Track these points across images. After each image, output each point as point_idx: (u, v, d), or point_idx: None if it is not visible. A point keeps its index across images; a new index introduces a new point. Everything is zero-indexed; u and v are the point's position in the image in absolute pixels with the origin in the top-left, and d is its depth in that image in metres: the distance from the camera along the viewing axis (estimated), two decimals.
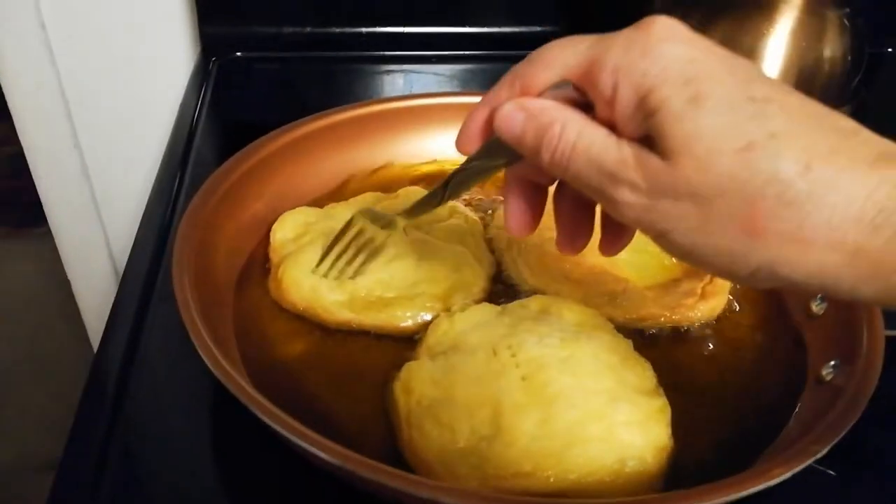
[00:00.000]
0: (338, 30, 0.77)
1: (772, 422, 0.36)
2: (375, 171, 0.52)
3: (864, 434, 0.31)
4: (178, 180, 0.53)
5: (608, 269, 0.43)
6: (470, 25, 0.79)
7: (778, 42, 0.59)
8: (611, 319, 0.40)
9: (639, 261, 0.44)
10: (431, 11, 0.78)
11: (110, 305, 0.98)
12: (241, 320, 0.39)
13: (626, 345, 0.37)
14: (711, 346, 0.41)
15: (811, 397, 0.36)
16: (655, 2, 0.65)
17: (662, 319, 0.41)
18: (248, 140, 0.50)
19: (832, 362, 0.36)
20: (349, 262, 0.40)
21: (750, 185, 0.22)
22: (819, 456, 0.30)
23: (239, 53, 0.74)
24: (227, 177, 0.43)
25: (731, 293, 0.43)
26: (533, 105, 0.26)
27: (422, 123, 0.52)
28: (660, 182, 0.23)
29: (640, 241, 0.45)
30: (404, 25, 0.78)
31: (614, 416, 0.33)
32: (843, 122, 0.23)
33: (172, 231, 0.47)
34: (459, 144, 0.29)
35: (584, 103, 0.26)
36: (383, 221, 0.40)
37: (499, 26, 0.80)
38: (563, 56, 0.25)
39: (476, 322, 0.38)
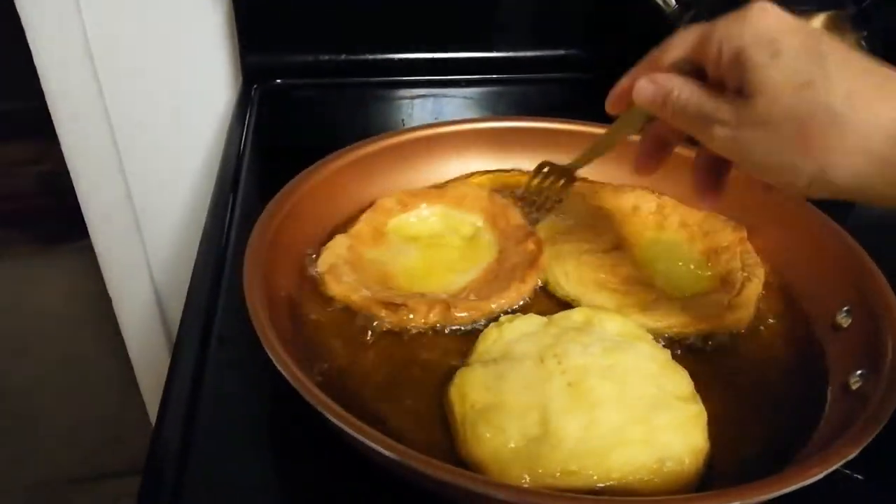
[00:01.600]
0: (370, 56, 0.80)
1: (802, 428, 0.37)
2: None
3: (889, 441, 0.33)
4: (230, 205, 0.56)
5: (641, 279, 0.45)
6: (496, 51, 0.83)
7: None
8: (644, 325, 0.42)
9: (671, 273, 0.46)
10: (459, 37, 0.81)
11: (149, 320, 1.01)
12: (301, 332, 0.42)
13: (665, 354, 0.40)
14: (741, 356, 0.43)
15: (839, 405, 0.38)
16: (677, 27, 0.67)
17: (691, 328, 0.43)
18: (293, 164, 0.53)
19: (858, 371, 0.38)
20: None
21: (805, 111, 0.28)
22: (849, 458, 0.31)
23: (279, 81, 0.77)
24: (290, 197, 0.47)
25: (757, 306, 0.45)
26: (658, 77, 0.34)
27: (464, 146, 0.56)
28: (742, 116, 0.30)
29: (673, 255, 0.48)
30: (433, 52, 0.81)
31: (654, 421, 0.35)
32: (888, 72, 0.29)
33: (230, 250, 0.50)
34: (609, 106, 0.39)
35: (697, 73, 0.33)
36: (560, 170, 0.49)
37: (523, 51, 0.83)
38: (682, 38, 0.34)
39: (523, 332, 0.40)
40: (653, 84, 0.34)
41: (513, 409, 0.35)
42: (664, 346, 0.41)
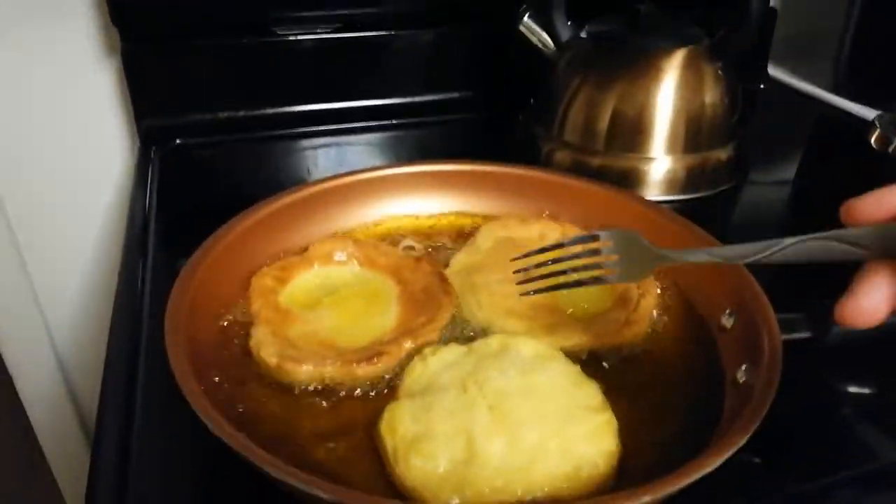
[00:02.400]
0: (270, 110, 0.82)
1: (706, 423, 0.41)
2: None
3: (778, 425, 0.36)
4: (140, 268, 0.56)
5: (547, 304, 0.49)
6: (393, 97, 0.86)
7: (666, 96, 0.68)
8: (551, 347, 0.46)
9: (575, 296, 0.50)
10: (357, 86, 0.84)
11: (54, 396, 0.96)
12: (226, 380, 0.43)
13: (576, 370, 0.43)
14: (644, 365, 0.47)
15: (731, 398, 0.42)
16: (557, 70, 0.73)
17: (595, 344, 0.47)
18: (201, 224, 0.54)
19: (743, 366, 0.42)
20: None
21: None
22: (740, 446, 0.35)
23: (178, 141, 0.77)
24: (201, 262, 0.47)
25: (652, 319, 0.49)
26: None
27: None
28: None
29: None
30: (332, 102, 0.84)
31: (568, 432, 0.38)
32: None
33: (146, 316, 0.50)
34: (854, 212, 0.28)
35: None
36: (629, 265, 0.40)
37: (418, 96, 0.88)
38: None
39: (446, 362, 0.43)
40: None
41: (440, 437, 0.38)
42: (574, 362, 0.44)
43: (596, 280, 0.40)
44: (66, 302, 0.92)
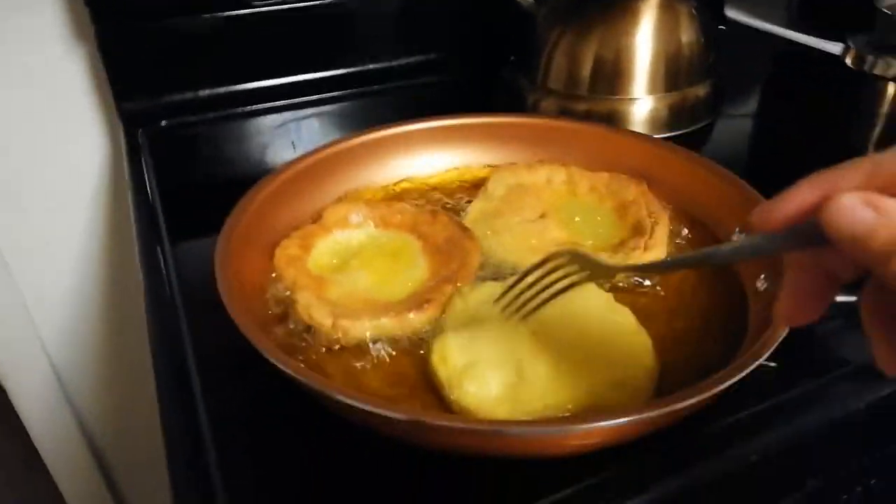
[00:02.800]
0: (254, 84, 0.81)
1: (731, 334, 0.45)
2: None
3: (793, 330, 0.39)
4: (160, 253, 0.56)
5: (568, 238, 0.52)
6: (371, 63, 0.87)
7: (644, 37, 0.71)
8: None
9: (593, 229, 0.53)
10: (338, 55, 0.84)
11: (48, 397, 0.94)
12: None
13: (608, 296, 0.46)
14: (666, 287, 0.50)
15: (755, 307, 0.46)
16: (537, 22, 0.75)
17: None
18: (210, 199, 0.57)
19: (762, 275, 0.46)
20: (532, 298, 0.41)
21: None
22: (773, 349, 0.38)
23: (164, 122, 0.76)
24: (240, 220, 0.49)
25: (667, 242, 0.52)
26: (889, 205, 0.23)
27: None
28: None
29: (589, 215, 0.55)
30: (316, 72, 0.84)
31: (610, 351, 0.41)
32: None
33: (178, 297, 0.50)
34: (762, 220, 0.27)
35: None
36: (594, 269, 0.39)
37: (393, 60, 0.88)
38: (860, 168, 0.24)
39: (484, 298, 0.45)
40: (872, 209, 0.23)
41: (490, 363, 0.40)
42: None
43: (573, 285, 0.40)
44: (55, 300, 0.90)
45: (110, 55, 0.73)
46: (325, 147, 0.59)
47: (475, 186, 0.60)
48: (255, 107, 0.81)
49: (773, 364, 0.45)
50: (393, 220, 0.55)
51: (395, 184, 0.61)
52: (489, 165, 0.62)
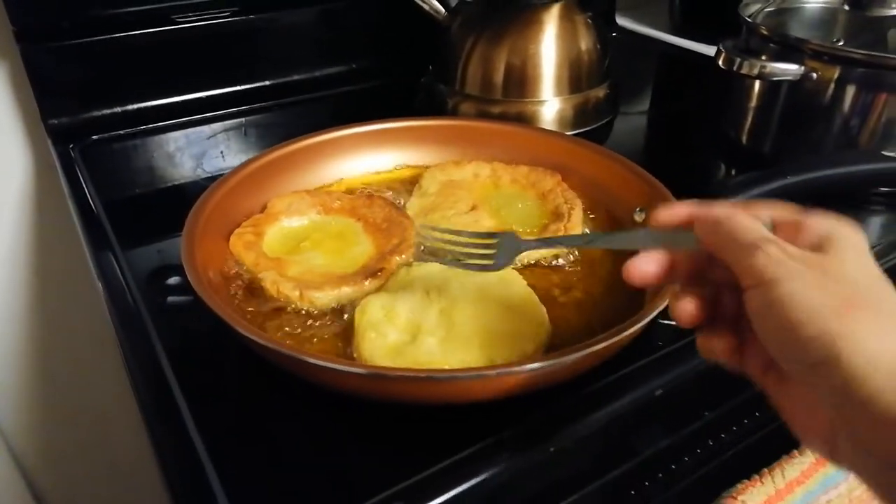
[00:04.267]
0: (178, 98, 0.84)
1: (640, 293, 0.53)
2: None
3: None
4: (115, 261, 0.58)
5: (498, 225, 0.59)
6: (295, 74, 0.91)
7: (549, 45, 0.79)
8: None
9: (517, 215, 0.60)
10: (261, 67, 0.88)
11: None
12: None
13: (529, 291, 0.52)
14: (582, 262, 0.57)
15: None
16: (451, 33, 0.82)
17: (543, 252, 0.56)
18: (154, 208, 0.63)
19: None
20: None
21: (867, 285, 0.29)
22: (653, 315, 0.45)
23: (94, 137, 0.78)
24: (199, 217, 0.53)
25: (582, 224, 0.60)
26: (728, 212, 0.33)
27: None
28: (807, 256, 0.30)
29: (514, 204, 0.62)
30: (239, 84, 0.87)
31: (507, 328, 0.47)
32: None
33: (141, 304, 0.53)
34: (659, 219, 0.36)
35: None
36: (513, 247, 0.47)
37: (319, 70, 0.93)
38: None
39: (425, 274, 0.51)
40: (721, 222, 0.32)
41: (396, 324, 0.47)
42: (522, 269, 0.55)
43: (479, 267, 0.47)
44: None
45: (35, 73, 0.74)
46: (265, 154, 0.63)
47: (409, 184, 0.66)
48: (183, 119, 0.84)
49: (671, 322, 0.54)
50: (333, 205, 0.61)
51: (330, 185, 0.66)
52: (418, 165, 0.68)
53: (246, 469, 0.41)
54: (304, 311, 0.51)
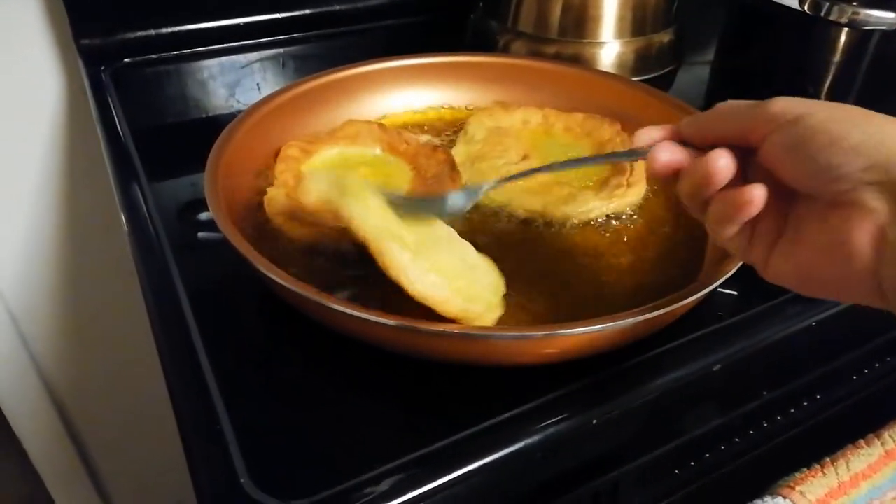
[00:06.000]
0: (213, 24, 0.79)
1: (698, 260, 0.48)
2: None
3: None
4: (139, 191, 0.55)
5: (555, 179, 0.54)
6: (336, 5, 0.86)
7: None
8: (566, 216, 0.51)
9: (576, 170, 0.55)
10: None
11: (4, 348, 0.93)
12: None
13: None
14: (646, 218, 0.52)
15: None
16: None
17: (604, 209, 0.52)
18: (185, 137, 0.59)
19: None
20: None
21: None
22: (723, 280, 0.40)
23: (127, 60, 0.74)
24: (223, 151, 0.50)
25: (647, 182, 0.55)
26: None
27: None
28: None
29: (568, 151, 0.57)
30: (275, 12, 0.82)
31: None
32: None
33: (163, 235, 0.50)
34: (638, 139, 0.37)
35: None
36: None
37: (362, 1, 0.87)
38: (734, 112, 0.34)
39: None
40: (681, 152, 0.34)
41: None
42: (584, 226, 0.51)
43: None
44: (11, 243, 0.88)
45: None
46: (307, 80, 0.59)
47: (451, 124, 0.62)
48: (218, 46, 0.80)
49: (733, 292, 0.49)
50: (399, 147, 0.57)
51: (374, 119, 0.61)
52: (466, 107, 0.64)
53: (260, 419, 0.38)
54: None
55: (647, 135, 0.37)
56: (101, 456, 1.11)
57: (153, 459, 1.11)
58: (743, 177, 0.34)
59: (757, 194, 0.32)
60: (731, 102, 0.34)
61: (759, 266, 0.35)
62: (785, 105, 0.31)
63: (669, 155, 0.35)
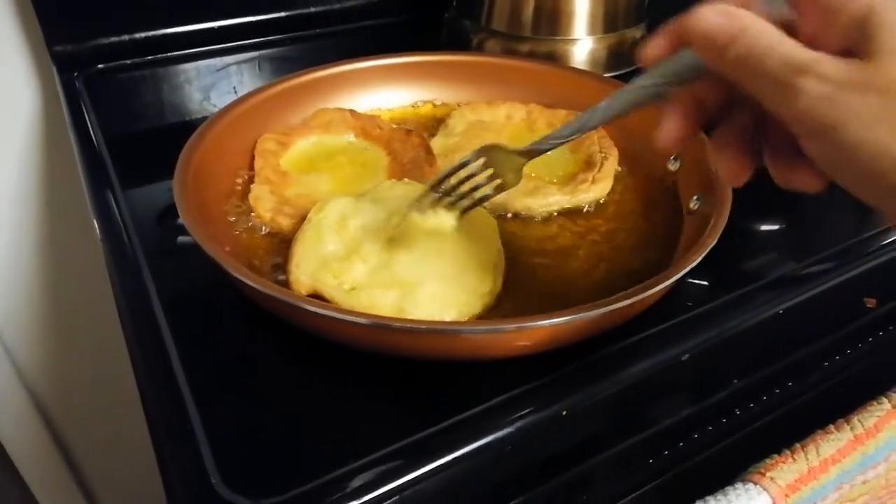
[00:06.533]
0: (188, 28, 0.79)
1: (667, 251, 0.49)
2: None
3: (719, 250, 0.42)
4: (112, 199, 0.55)
5: (525, 172, 0.54)
6: (311, 7, 0.86)
7: None
8: (528, 208, 0.52)
9: (545, 161, 0.55)
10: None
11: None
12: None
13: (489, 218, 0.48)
14: (610, 215, 0.53)
15: (687, 227, 0.50)
16: None
17: (568, 204, 0.53)
18: (158, 143, 0.58)
19: (695, 196, 0.50)
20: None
21: None
22: (687, 270, 0.40)
23: (100, 66, 0.74)
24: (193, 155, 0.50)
25: (614, 174, 0.55)
26: (732, 8, 0.27)
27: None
28: (853, 75, 0.24)
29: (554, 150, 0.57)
30: (251, 15, 0.82)
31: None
32: None
33: (136, 243, 0.50)
34: (649, 50, 0.31)
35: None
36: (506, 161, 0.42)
37: (337, 3, 0.87)
38: None
39: (405, 193, 0.47)
40: (723, 16, 0.27)
41: (342, 234, 0.45)
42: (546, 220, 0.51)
43: (488, 196, 0.44)
44: None
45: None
46: (282, 80, 0.59)
47: (434, 123, 0.62)
48: (193, 50, 0.80)
49: (704, 282, 0.50)
50: (372, 132, 0.57)
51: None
52: (445, 104, 0.64)
53: (231, 420, 0.38)
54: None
55: (650, 50, 0.32)
56: (87, 462, 1.10)
57: (139, 464, 1.10)
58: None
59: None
60: (750, 44, 0.26)
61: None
62: (811, 104, 0.25)
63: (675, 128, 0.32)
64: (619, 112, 0.36)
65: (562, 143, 0.40)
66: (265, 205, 0.49)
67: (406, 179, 0.52)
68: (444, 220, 0.45)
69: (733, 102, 0.31)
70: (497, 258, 0.46)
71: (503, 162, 0.43)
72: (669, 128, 0.32)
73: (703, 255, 0.41)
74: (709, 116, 0.32)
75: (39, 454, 1.05)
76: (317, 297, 0.43)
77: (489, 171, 0.43)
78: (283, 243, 0.48)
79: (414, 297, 0.41)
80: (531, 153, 0.42)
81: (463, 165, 0.43)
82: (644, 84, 0.33)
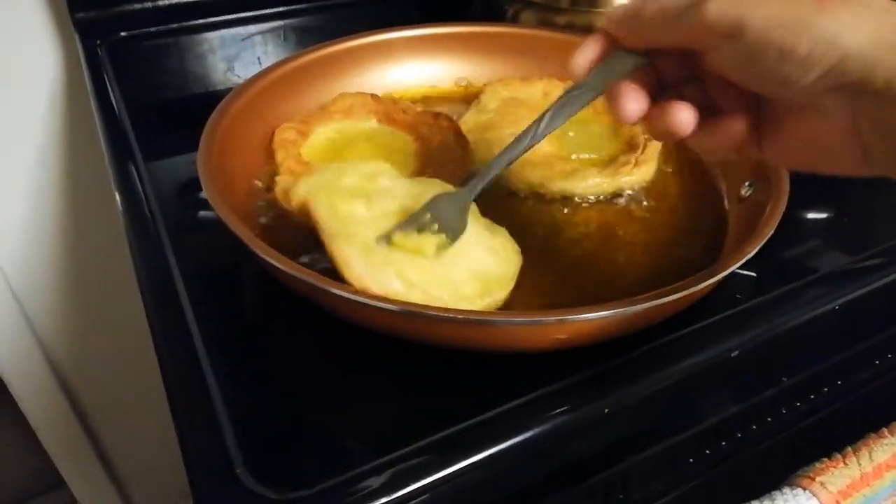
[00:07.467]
0: None
1: (717, 238, 0.46)
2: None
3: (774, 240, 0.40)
4: (134, 171, 0.53)
5: (558, 151, 0.51)
6: None
7: None
8: (566, 191, 0.49)
9: (585, 142, 0.53)
10: None
11: (8, 327, 0.92)
12: None
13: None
14: (654, 200, 0.50)
15: (736, 215, 0.47)
16: None
17: (605, 186, 0.50)
18: (178, 116, 0.57)
19: (746, 182, 0.47)
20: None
21: None
22: (741, 263, 0.38)
23: (123, 33, 0.72)
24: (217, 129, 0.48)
25: (658, 157, 0.52)
26: None
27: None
28: None
29: (584, 126, 0.55)
30: None
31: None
32: None
33: (158, 216, 0.48)
34: (575, 67, 0.34)
35: None
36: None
37: None
38: None
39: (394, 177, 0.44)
40: (624, 3, 0.32)
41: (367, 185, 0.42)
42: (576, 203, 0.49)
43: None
44: (10, 222, 0.87)
45: None
46: (308, 52, 0.57)
47: (466, 100, 0.59)
48: (217, 18, 0.77)
49: (752, 273, 0.47)
50: (397, 117, 0.54)
51: (391, 90, 0.60)
52: (472, 84, 0.61)
53: (257, 408, 0.37)
54: None
55: (582, 59, 0.34)
56: (106, 431, 1.11)
57: (158, 435, 1.11)
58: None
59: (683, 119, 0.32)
60: (657, 5, 0.30)
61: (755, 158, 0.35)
62: (719, 10, 0.28)
63: (637, 105, 0.33)
64: (570, 111, 0.37)
65: (501, 170, 0.39)
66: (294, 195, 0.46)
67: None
68: (426, 244, 0.39)
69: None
70: (503, 252, 0.42)
71: (448, 210, 0.39)
72: (631, 106, 0.34)
73: (761, 244, 0.39)
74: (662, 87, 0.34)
75: (59, 423, 1.06)
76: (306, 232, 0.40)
77: (435, 227, 0.39)
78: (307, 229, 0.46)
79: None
80: (471, 192, 0.40)
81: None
82: (576, 93, 0.35)
